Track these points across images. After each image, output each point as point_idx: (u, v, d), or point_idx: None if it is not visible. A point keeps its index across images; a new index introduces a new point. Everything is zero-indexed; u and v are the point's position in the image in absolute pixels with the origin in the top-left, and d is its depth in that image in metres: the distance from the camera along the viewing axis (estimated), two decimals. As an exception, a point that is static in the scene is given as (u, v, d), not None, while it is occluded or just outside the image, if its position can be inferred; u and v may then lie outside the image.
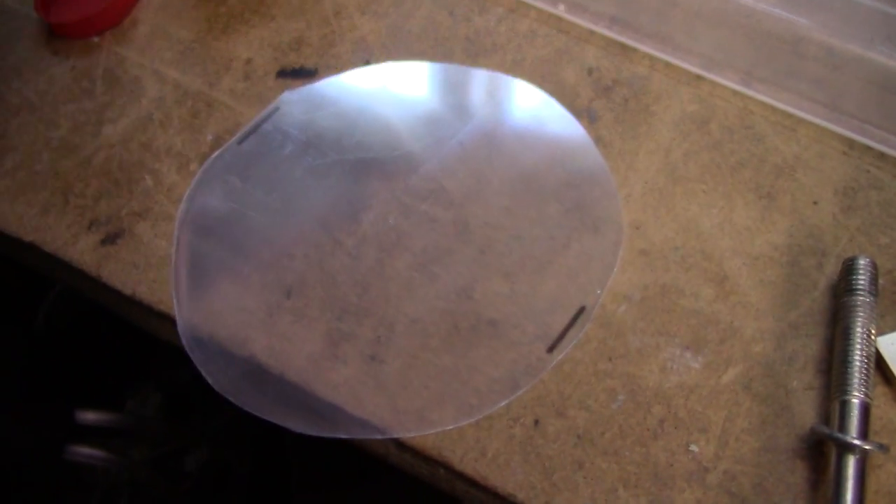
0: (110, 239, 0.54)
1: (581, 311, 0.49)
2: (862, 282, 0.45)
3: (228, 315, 0.51)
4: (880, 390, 0.44)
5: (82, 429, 0.84)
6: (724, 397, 0.45)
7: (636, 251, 0.50)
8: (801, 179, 0.51)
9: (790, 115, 0.54)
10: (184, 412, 0.97)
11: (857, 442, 0.40)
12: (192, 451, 0.94)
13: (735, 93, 0.55)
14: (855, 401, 0.42)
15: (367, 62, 0.61)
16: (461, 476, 0.45)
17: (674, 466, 0.43)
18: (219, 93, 0.61)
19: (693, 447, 0.44)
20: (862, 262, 0.45)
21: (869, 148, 0.52)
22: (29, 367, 0.89)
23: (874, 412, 0.44)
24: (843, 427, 0.41)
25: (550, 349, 0.48)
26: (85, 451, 0.86)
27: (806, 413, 0.44)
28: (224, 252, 0.54)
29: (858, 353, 0.43)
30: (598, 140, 0.54)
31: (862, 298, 0.44)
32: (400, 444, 0.46)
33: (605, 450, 0.44)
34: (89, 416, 0.87)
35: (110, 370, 0.93)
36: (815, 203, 0.50)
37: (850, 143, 0.52)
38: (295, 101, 0.60)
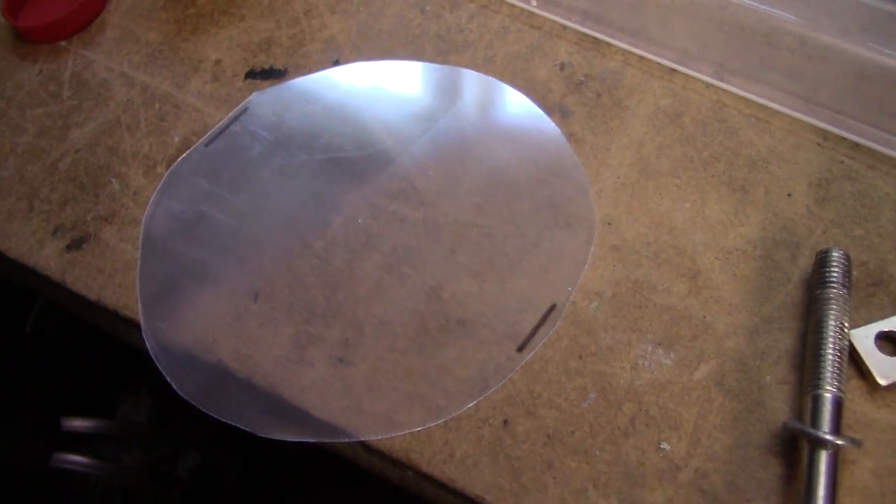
0: (76, 244, 0.53)
1: (552, 308, 0.48)
2: (835, 275, 0.44)
3: (195, 320, 0.50)
4: (854, 384, 0.43)
5: (74, 436, 0.84)
6: (696, 394, 0.44)
7: (608, 247, 0.49)
8: (774, 172, 0.50)
9: (764, 108, 0.53)
10: (176, 416, 0.96)
11: (829, 437, 0.39)
12: (185, 455, 0.94)
13: (708, 86, 0.54)
14: (827, 395, 0.41)
15: (337, 62, 0.60)
16: (429, 479, 0.44)
17: (645, 465, 0.42)
18: (187, 95, 0.60)
19: (664, 445, 0.43)
20: (835, 254, 0.44)
21: (843, 139, 0.51)
22: (20, 373, 0.88)
23: (848, 406, 0.43)
24: (815, 422, 0.40)
25: (520, 348, 0.47)
26: (71, 458, 0.85)
27: (779, 408, 0.43)
28: (190, 255, 0.53)
29: (831, 347, 0.42)
30: (571, 136, 0.54)
31: (835, 291, 0.43)
32: (367, 448, 0.45)
33: (574, 449, 0.43)
34: (76, 424, 0.86)
35: (102, 375, 0.93)
36: (788, 195, 0.49)
37: (825, 135, 0.51)
38: (264, 101, 0.60)
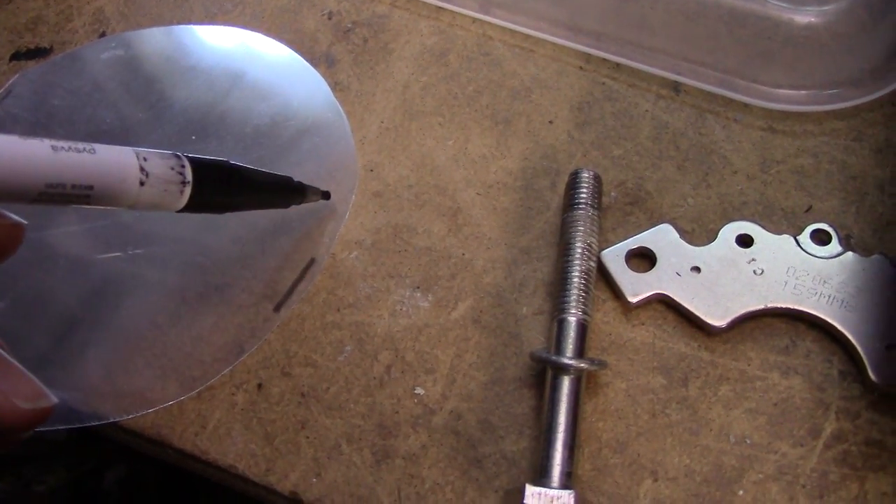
0: None
1: (310, 263, 0.46)
2: (583, 195, 0.42)
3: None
4: (610, 305, 0.42)
5: None
6: (454, 334, 0.42)
7: (370, 194, 0.47)
8: (537, 100, 0.49)
9: (528, 37, 0.51)
10: (97, 430, 0.93)
11: (569, 361, 0.38)
12: (111, 468, 0.91)
13: (475, 20, 0.53)
14: (571, 319, 0.39)
15: (104, 34, 0.57)
16: (182, 453, 0.41)
17: (399, 413, 0.40)
18: (-51, 85, 0.57)
19: (419, 390, 0.41)
20: (583, 175, 0.43)
21: (605, 60, 0.49)
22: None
23: (603, 328, 0.41)
24: (559, 348, 0.39)
25: (277, 307, 0.45)
26: None
27: (535, 339, 0.42)
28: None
29: (577, 269, 0.40)
30: (336, 85, 0.51)
31: (582, 212, 0.42)
32: (123, 429, 0.43)
33: (329, 405, 0.41)
34: None
35: None
36: (550, 122, 0.48)
37: (587, 58, 0.50)
38: (27, 82, 0.56)
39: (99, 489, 0.90)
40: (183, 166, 0.36)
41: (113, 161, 0.33)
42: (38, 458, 0.86)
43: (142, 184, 0.34)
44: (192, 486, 0.88)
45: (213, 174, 0.38)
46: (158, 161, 0.35)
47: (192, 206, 0.37)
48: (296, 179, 0.47)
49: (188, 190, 0.36)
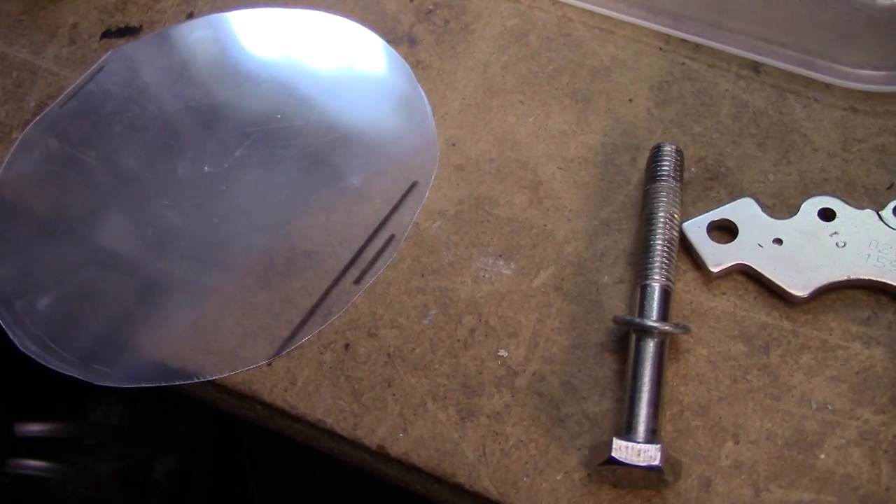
0: (-76, 213, 0.52)
1: (392, 237, 0.47)
2: (665, 168, 0.43)
3: (43, 275, 0.49)
4: (691, 276, 0.43)
5: (39, 444, 0.81)
6: (536, 300, 0.43)
7: (452, 167, 0.48)
8: (616, 79, 0.50)
9: (608, 18, 0.52)
10: (150, 420, 0.95)
11: (654, 324, 0.39)
12: (161, 458, 0.92)
13: (554, 2, 0.54)
14: (655, 285, 0.40)
15: (191, 14, 0.60)
16: (272, 408, 0.43)
17: (483, 374, 0.42)
18: (44, 60, 0.59)
19: (502, 352, 0.42)
20: (666, 148, 0.44)
21: (685, 41, 0.50)
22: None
23: (684, 297, 0.42)
24: (643, 312, 0.40)
25: (363, 274, 0.46)
26: (29, 463, 0.83)
27: (616, 307, 0.42)
28: (39, 214, 0.52)
29: (660, 238, 0.41)
30: (418, 64, 0.53)
31: (665, 184, 0.43)
32: (216, 386, 0.44)
33: (415, 365, 0.42)
34: (31, 429, 0.84)
35: (69, 385, 0.91)
36: (630, 101, 0.49)
37: (667, 39, 0.51)
38: (119, 59, 0.59)
39: (149, 479, 0.92)
40: None
41: None
42: (92, 447, 0.88)
43: None
44: (242, 481, 0.89)
45: None
46: None
47: None
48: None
49: None
